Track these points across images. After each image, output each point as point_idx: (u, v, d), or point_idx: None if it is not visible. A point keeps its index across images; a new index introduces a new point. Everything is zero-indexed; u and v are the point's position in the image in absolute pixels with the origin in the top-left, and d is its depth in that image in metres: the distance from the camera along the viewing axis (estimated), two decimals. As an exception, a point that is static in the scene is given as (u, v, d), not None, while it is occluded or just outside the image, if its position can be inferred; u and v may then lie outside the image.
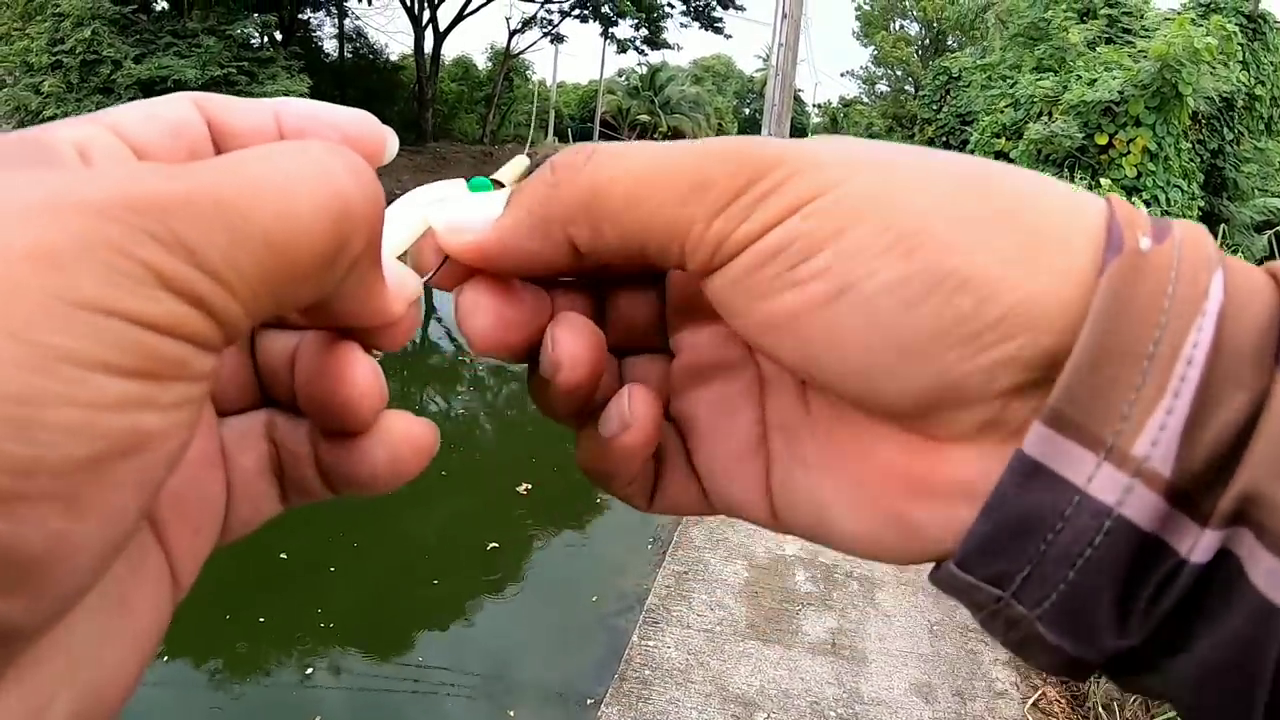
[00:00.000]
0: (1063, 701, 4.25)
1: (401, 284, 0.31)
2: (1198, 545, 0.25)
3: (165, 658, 5.45)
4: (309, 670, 5.45)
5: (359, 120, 0.34)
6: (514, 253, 0.33)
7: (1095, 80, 11.66)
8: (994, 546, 0.27)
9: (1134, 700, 4.04)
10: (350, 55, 29.95)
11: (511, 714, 5.26)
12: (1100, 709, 4.08)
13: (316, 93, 16.54)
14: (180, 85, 13.76)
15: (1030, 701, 4.21)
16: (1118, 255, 0.26)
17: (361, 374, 0.31)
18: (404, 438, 0.33)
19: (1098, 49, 12.61)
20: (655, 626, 4.51)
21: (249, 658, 5.56)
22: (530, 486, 7.98)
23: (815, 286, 0.28)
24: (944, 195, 0.28)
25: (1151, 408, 0.25)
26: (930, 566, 0.32)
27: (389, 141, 0.34)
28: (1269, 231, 11.26)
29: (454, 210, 0.33)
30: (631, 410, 0.34)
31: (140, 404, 0.21)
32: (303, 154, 0.25)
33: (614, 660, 5.17)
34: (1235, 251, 8.37)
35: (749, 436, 0.35)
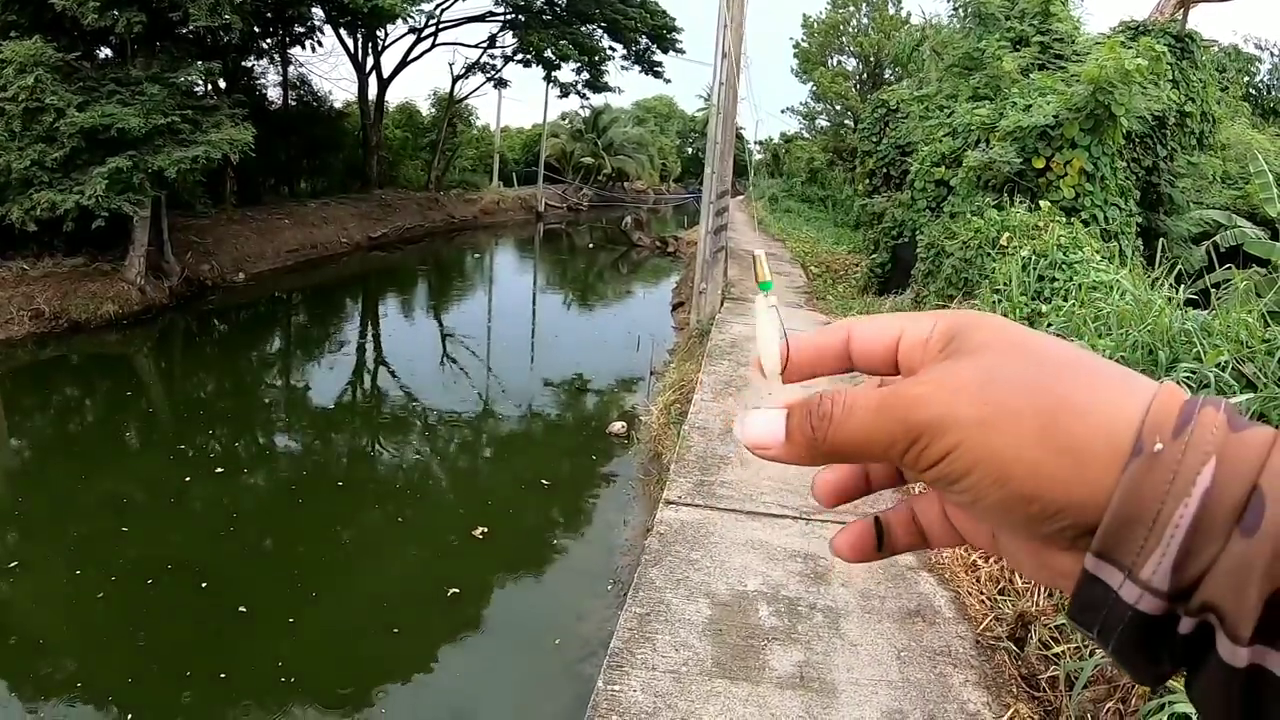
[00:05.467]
0: (1037, 718, 4.19)
1: None
2: (1183, 623, 0.43)
3: (130, 719, 5.24)
4: (271, 730, 5.28)
5: None
6: (796, 461, 0.55)
7: (1030, 106, 11.88)
8: (1080, 611, 0.46)
9: (1107, 710, 3.99)
10: (295, 102, 29.74)
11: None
12: (1075, 725, 4.03)
13: (261, 141, 16.34)
14: (124, 133, 13.66)
15: (1004, 722, 4.14)
16: (1137, 458, 0.44)
17: None
18: None
19: (1031, 76, 12.88)
20: (620, 671, 4.37)
21: (212, 717, 5.35)
22: (487, 530, 7.85)
23: (960, 498, 0.49)
24: (1025, 441, 0.46)
25: (1149, 555, 0.43)
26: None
27: None
28: (1206, 243, 11.52)
29: (752, 426, 0.56)
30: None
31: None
32: None
33: (579, 707, 5.03)
34: (1175, 265, 8.51)
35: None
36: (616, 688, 4.24)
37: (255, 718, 5.37)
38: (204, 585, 6.55)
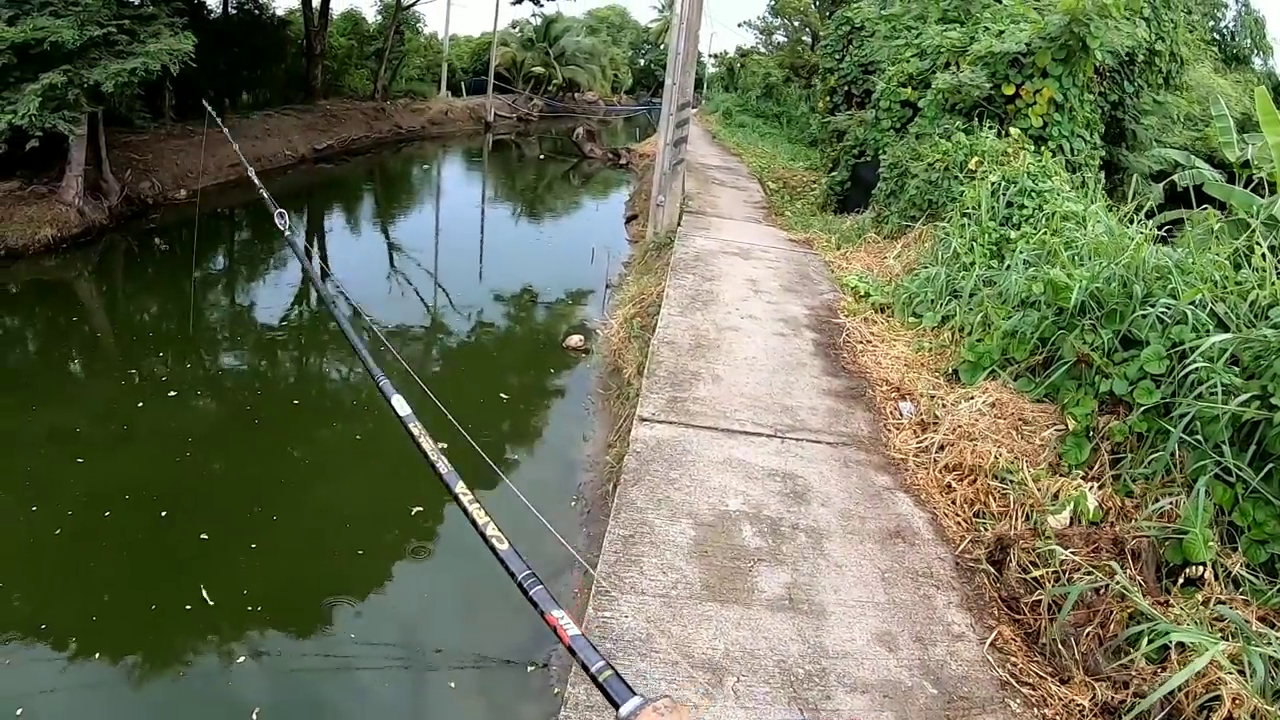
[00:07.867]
0: (1018, 640, 4.29)
1: None
2: None
3: (97, 657, 5.08)
4: (241, 659, 5.16)
5: None
6: None
7: (1003, 32, 11.80)
8: None
9: (1087, 634, 4.09)
10: (235, 11, 28.26)
11: (452, 685, 5.09)
12: (1058, 644, 4.13)
13: (200, 51, 15.49)
14: (57, 46, 12.83)
15: (988, 642, 4.23)
16: None
17: None
18: None
19: (1004, 1, 12.75)
20: (608, 596, 4.34)
21: (182, 651, 5.22)
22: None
23: None
24: None
25: None
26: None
27: None
28: (1165, 181, 11.62)
29: None
30: None
31: None
32: None
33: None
34: (1145, 202, 8.59)
35: None
36: (608, 614, 4.20)
37: (223, 648, 5.26)
38: (163, 514, 6.37)
